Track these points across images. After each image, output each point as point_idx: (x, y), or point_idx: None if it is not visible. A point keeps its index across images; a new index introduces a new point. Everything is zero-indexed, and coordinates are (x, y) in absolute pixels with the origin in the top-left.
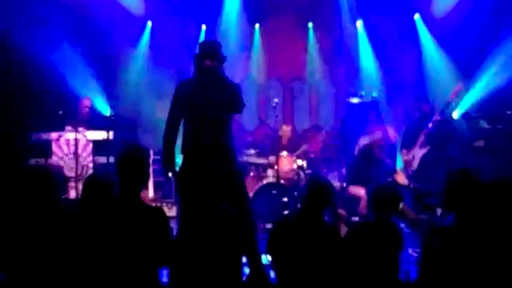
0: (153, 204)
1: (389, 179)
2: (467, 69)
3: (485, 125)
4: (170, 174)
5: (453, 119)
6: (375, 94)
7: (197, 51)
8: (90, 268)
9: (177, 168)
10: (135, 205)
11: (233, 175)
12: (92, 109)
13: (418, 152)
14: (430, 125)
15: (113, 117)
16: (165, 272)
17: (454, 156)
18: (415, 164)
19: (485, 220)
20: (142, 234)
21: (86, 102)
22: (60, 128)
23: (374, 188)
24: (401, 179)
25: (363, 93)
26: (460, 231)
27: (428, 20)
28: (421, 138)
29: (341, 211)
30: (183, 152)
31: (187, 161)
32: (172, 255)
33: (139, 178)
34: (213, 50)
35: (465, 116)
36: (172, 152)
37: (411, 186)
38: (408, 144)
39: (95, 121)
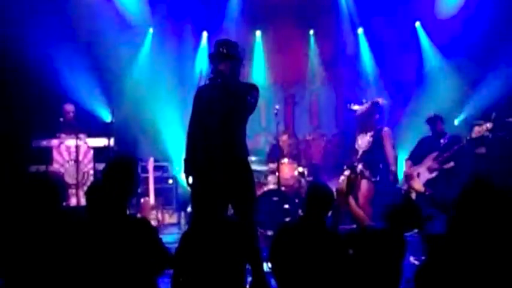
0: (154, 211)
1: (405, 186)
2: (468, 76)
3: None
4: (190, 180)
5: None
6: (380, 101)
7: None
8: (85, 277)
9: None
10: (120, 217)
11: (242, 184)
12: (76, 114)
13: (425, 174)
14: (442, 141)
15: (113, 124)
16: (167, 281)
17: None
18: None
19: (486, 228)
20: (128, 245)
21: (68, 108)
22: (52, 136)
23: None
24: (418, 185)
25: (364, 100)
26: (462, 239)
27: (430, 26)
28: (429, 162)
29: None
30: (196, 158)
31: (199, 168)
32: (165, 259)
33: (124, 188)
34: (223, 50)
35: (466, 122)
36: (194, 159)
37: (427, 193)
38: (415, 158)
39: (95, 128)
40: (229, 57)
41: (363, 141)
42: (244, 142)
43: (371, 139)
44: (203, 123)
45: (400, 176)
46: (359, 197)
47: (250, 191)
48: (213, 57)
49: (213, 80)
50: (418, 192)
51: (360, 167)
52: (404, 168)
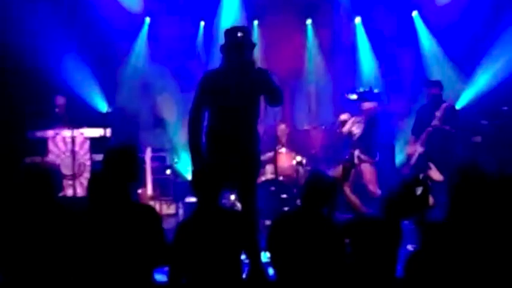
0: (152, 202)
1: (423, 175)
2: (465, 65)
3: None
4: (200, 165)
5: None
6: (376, 91)
7: (226, 38)
8: (84, 268)
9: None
10: (125, 204)
11: (249, 170)
12: (71, 106)
13: (419, 148)
14: (437, 113)
15: (109, 114)
16: (164, 270)
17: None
18: (413, 160)
19: (482, 216)
20: (133, 233)
21: (59, 100)
22: (47, 127)
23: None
24: (436, 175)
25: (361, 89)
26: (455, 227)
27: (428, 13)
28: (424, 137)
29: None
30: (205, 143)
31: (209, 153)
32: (166, 254)
33: (126, 176)
34: (243, 35)
35: (463, 111)
36: (199, 144)
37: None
38: (417, 131)
39: (91, 118)
40: (246, 45)
41: (356, 126)
42: (257, 129)
43: (363, 124)
44: (219, 108)
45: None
46: (366, 183)
47: (255, 179)
48: (230, 45)
49: (228, 67)
50: (437, 182)
51: (356, 153)
52: (407, 146)
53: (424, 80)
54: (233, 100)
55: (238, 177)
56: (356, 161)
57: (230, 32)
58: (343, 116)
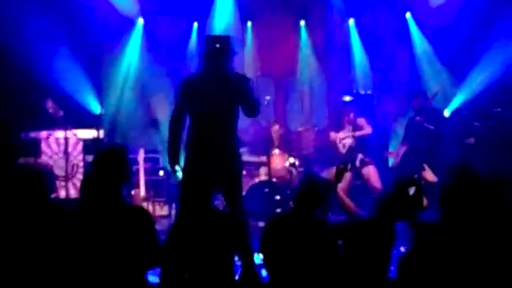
0: (145, 203)
1: (417, 176)
2: (458, 67)
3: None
4: (177, 169)
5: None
6: (369, 92)
7: (205, 45)
8: (77, 269)
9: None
10: (117, 205)
11: (232, 174)
12: (60, 107)
13: (402, 149)
14: (417, 118)
15: (102, 115)
16: (156, 272)
17: (440, 154)
18: (396, 161)
19: (474, 217)
20: (125, 235)
21: (48, 103)
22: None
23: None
24: (430, 176)
25: (355, 91)
26: (447, 228)
27: (421, 15)
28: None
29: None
30: (185, 148)
31: (189, 158)
32: (158, 255)
33: (117, 177)
34: (221, 45)
35: (455, 113)
36: (177, 148)
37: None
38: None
39: (84, 119)
40: (224, 53)
41: (346, 140)
42: (237, 133)
43: (351, 134)
44: (197, 114)
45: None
46: (373, 183)
47: (240, 182)
48: (208, 54)
49: (206, 73)
50: (431, 183)
51: (360, 156)
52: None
53: (408, 92)
54: (211, 106)
55: (222, 181)
56: (358, 164)
57: (209, 40)
58: (332, 136)
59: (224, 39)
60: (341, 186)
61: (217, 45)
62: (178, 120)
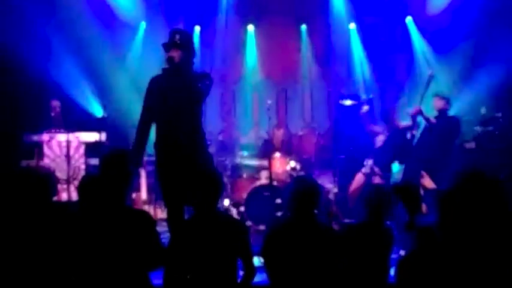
0: (146, 207)
1: (415, 182)
2: (459, 71)
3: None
4: (137, 166)
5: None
6: (371, 96)
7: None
8: (79, 272)
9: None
10: (119, 208)
11: (203, 164)
12: (62, 110)
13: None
14: (408, 135)
15: (104, 118)
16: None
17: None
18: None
19: (473, 221)
20: (127, 238)
21: (54, 104)
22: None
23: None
24: (428, 183)
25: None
26: (447, 232)
27: (421, 21)
28: None
29: (334, 210)
30: (154, 147)
31: (158, 157)
32: (161, 257)
33: (120, 180)
34: (177, 40)
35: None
36: (142, 146)
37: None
38: None
39: (86, 122)
40: (181, 46)
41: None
42: (200, 126)
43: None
44: (161, 112)
45: None
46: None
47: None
48: (166, 46)
49: (165, 70)
50: (429, 190)
51: (370, 163)
52: None
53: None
54: (170, 102)
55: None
56: (368, 170)
57: (169, 33)
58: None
59: (182, 32)
60: (353, 187)
61: (177, 36)
62: (145, 121)
